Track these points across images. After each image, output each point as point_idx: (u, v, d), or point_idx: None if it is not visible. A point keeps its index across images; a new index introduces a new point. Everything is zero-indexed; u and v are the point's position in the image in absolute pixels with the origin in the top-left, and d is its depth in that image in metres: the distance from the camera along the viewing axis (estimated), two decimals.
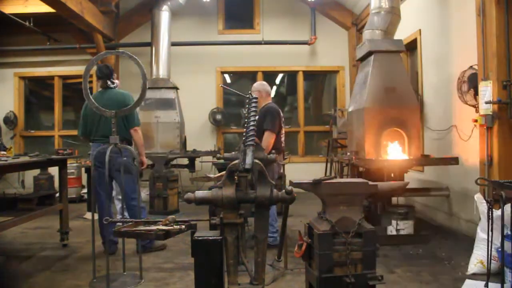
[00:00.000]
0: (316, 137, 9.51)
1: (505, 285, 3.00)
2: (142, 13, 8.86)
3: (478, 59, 4.29)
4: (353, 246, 2.28)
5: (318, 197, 2.45)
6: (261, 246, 1.88)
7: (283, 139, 4.71)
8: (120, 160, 3.92)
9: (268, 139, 4.35)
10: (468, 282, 3.40)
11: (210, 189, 1.98)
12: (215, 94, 9.12)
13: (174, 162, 7.61)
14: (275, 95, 9.89)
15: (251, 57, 9.06)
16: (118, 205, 5.25)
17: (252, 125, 2.11)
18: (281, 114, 4.65)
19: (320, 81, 10.03)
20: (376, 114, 4.89)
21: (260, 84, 4.90)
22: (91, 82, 8.77)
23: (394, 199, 5.01)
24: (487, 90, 4.04)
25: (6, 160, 4.05)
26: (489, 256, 3.00)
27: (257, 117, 2.28)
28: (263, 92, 4.71)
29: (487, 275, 3.04)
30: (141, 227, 2.07)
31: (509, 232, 3.07)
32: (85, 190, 7.60)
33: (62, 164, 4.80)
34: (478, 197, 3.59)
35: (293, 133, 9.36)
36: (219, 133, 9.17)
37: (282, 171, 6.08)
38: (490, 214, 2.98)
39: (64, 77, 9.39)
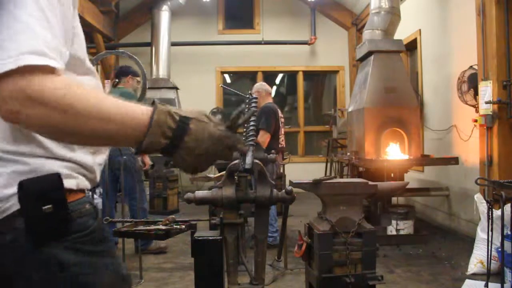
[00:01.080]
0: (316, 137, 9.51)
1: (505, 285, 3.01)
2: (142, 13, 8.86)
3: (478, 59, 4.29)
4: (353, 246, 2.28)
5: (318, 197, 2.45)
6: (261, 246, 1.88)
7: (281, 139, 4.71)
8: (119, 159, 3.92)
9: (262, 138, 4.38)
10: (468, 282, 3.40)
11: (210, 189, 1.98)
12: (215, 94, 9.12)
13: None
14: (275, 95, 9.88)
15: (251, 57, 9.06)
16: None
17: (252, 125, 2.12)
18: (279, 114, 4.65)
19: (320, 81, 10.03)
20: (376, 114, 4.89)
21: (259, 85, 4.93)
22: None
23: (394, 199, 5.02)
24: (487, 90, 4.04)
25: None
26: (489, 256, 3.00)
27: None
28: (262, 92, 4.72)
29: (487, 275, 3.03)
30: (141, 227, 2.07)
31: (509, 232, 3.07)
32: None
33: None
34: (478, 197, 3.59)
35: (293, 133, 9.36)
36: None
37: (282, 171, 6.08)
38: (490, 214, 2.98)
39: None
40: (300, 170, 7.86)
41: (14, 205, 0.89)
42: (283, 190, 1.84)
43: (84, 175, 0.99)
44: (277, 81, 9.92)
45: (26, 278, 0.90)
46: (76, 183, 0.96)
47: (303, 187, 2.38)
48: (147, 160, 4.47)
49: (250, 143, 2.01)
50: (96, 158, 1.02)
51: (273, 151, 4.05)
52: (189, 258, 1.67)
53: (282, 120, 4.78)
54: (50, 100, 0.79)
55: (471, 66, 4.60)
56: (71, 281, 0.92)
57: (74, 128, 0.83)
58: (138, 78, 4.55)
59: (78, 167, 0.97)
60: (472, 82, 4.53)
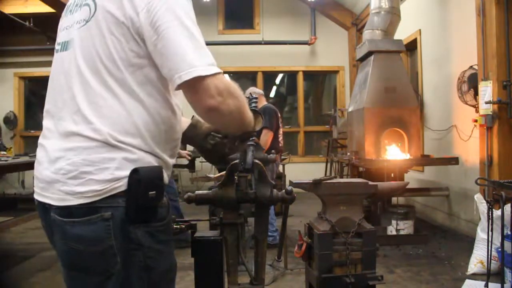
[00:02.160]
0: (316, 137, 9.51)
1: (505, 285, 3.01)
2: None
3: (478, 59, 4.29)
4: (353, 246, 2.28)
5: (318, 197, 2.45)
6: (261, 247, 1.88)
7: (280, 139, 4.75)
8: None
9: (266, 137, 4.43)
10: (468, 282, 3.40)
11: (210, 189, 1.98)
12: None
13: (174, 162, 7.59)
14: (275, 95, 9.89)
15: (251, 57, 9.06)
16: None
17: None
18: (278, 114, 4.72)
19: (320, 81, 10.03)
20: (376, 114, 4.90)
21: (250, 89, 5.02)
22: None
23: (394, 199, 5.01)
24: (487, 90, 4.04)
25: (6, 160, 4.06)
26: (489, 256, 3.01)
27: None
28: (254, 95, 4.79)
29: (487, 275, 3.04)
30: None
31: (509, 232, 3.07)
32: None
33: None
34: (478, 197, 3.59)
35: (293, 133, 9.36)
36: None
37: (281, 170, 6.09)
38: (490, 214, 2.98)
39: None
40: (300, 170, 7.86)
41: (122, 186, 1.08)
42: (283, 190, 1.84)
43: (166, 171, 1.20)
44: (277, 81, 9.92)
45: (116, 249, 1.07)
46: (164, 177, 1.17)
47: (303, 187, 2.38)
48: (183, 152, 4.36)
49: (250, 143, 2.01)
50: (172, 160, 1.27)
51: (273, 151, 4.06)
52: (189, 258, 1.68)
53: (280, 119, 4.84)
54: (237, 95, 1.15)
55: (471, 66, 4.60)
56: (141, 260, 1.10)
57: (241, 115, 1.18)
58: None
59: (165, 164, 1.20)
60: (472, 82, 4.53)
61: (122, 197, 1.08)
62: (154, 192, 1.08)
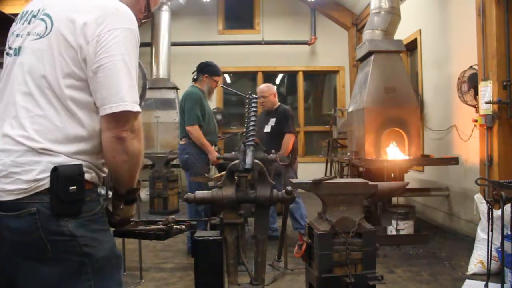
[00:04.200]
0: (316, 137, 9.50)
1: (505, 285, 3.00)
2: None
3: (478, 59, 4.29)
4: (353, 246, 2.27)
5: (318, 197, 2.45)
6: (261, 247, 1.88)
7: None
8: (182, 158, 4.22)
9: (289, 141, 4.44)
10: (468, 282, 3.40)
11: (210, 189, 1.98)
12: (215, 94, 9.07)
13: (174, 162, 7.60)
14: None
15: (251, 57, 9.05)
16: None
17: (252, 125, 2.12)
18: None
19: (320, 81, 10.03)
20: (376, 114, 4.89)
21: (268, 87, 4.92)
22: None
23: (394, 199, 5.01)
24: (487, 90, 4.04)
25: None
26: (489, 256, 3.00)
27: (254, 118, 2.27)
28: (274, 93, 4.85)
29: (487, 275, 3.03)
30: (141, 227, 2.07)
31: (509, 232, 3.07)
32: None
33: None
34: (478, 197, 3.59)
35: None
36: (219, 133, 9.17)
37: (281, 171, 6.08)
38: (490, 214, 2.98)
39: None
40: (300, 170, 7.83)
41: (45, 184, 1.21)
42: (283, 190, 1.84)
43: (96, 173, 1.33)
44: (277, 81, 9.91)
45: (46, 240, 1.19)
46: (90, 176, 1.30)
47: (303, 187, 2.37)
48: (212, 157, 4.29)
49: (250, 143, 2.01)
50: (105, 168, 1.37)
51: (273, 151, 4.05)
52: (189, 258, 1.68)
53: None
54: (142, 143, 1.33)
55: (471, 66, 4.60)
56: (78, 248, 1.22)
57: (136, 160, 1.32)
58: (216, 78, 4.53)
59: (93, 166, 1.31)
60: (472, 82, 4.53)
61: (47, 194, 1.20)
62: (74, 187, 1.21)
